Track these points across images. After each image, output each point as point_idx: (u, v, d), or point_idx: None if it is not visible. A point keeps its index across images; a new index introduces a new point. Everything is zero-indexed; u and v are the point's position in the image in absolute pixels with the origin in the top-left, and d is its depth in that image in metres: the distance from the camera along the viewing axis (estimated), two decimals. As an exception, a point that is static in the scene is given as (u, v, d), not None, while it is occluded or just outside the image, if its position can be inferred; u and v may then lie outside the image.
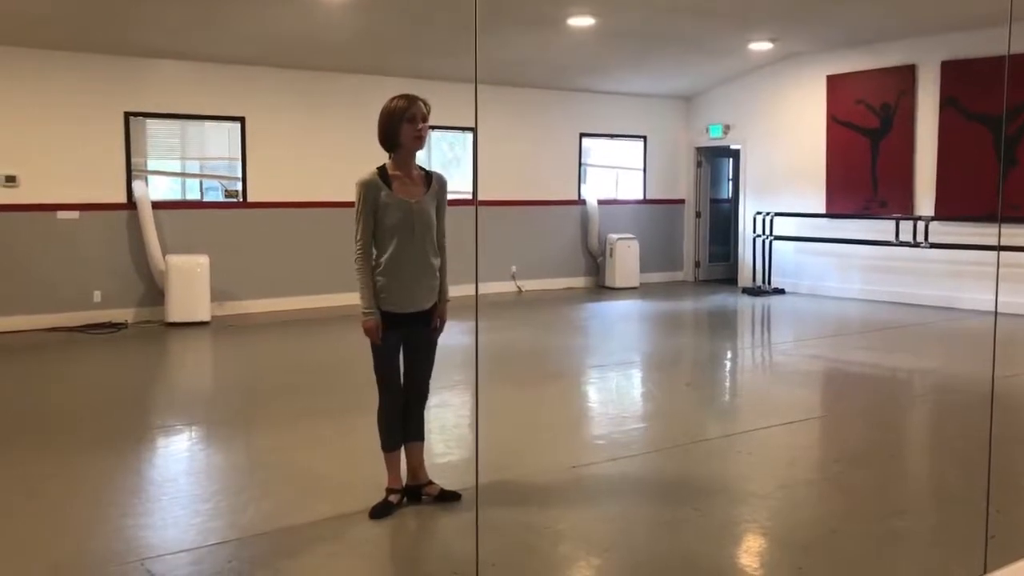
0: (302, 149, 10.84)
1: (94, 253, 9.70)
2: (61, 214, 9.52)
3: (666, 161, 14.04)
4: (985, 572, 3.19)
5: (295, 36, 9.40)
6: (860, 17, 9.82)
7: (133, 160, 9.96)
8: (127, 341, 8.97)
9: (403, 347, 4.16)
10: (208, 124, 10.58)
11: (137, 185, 9.89)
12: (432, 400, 4.46)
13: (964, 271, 10.52)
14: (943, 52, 10.64)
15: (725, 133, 13.50)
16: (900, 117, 11.15)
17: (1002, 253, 9.53)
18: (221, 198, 10.76)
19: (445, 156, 12.23)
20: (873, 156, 11.46)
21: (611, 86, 12.93)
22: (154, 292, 9.92)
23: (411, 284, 4.05)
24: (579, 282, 13.25)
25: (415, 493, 4.23)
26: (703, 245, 14.30)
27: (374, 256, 4.05)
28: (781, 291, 12.47)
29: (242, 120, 10.48)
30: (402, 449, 4.22)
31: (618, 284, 12.93)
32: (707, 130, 13.74)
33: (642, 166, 13.87)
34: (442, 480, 4.32)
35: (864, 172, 11.55)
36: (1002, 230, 10.03)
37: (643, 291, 12.78)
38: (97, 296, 9.71)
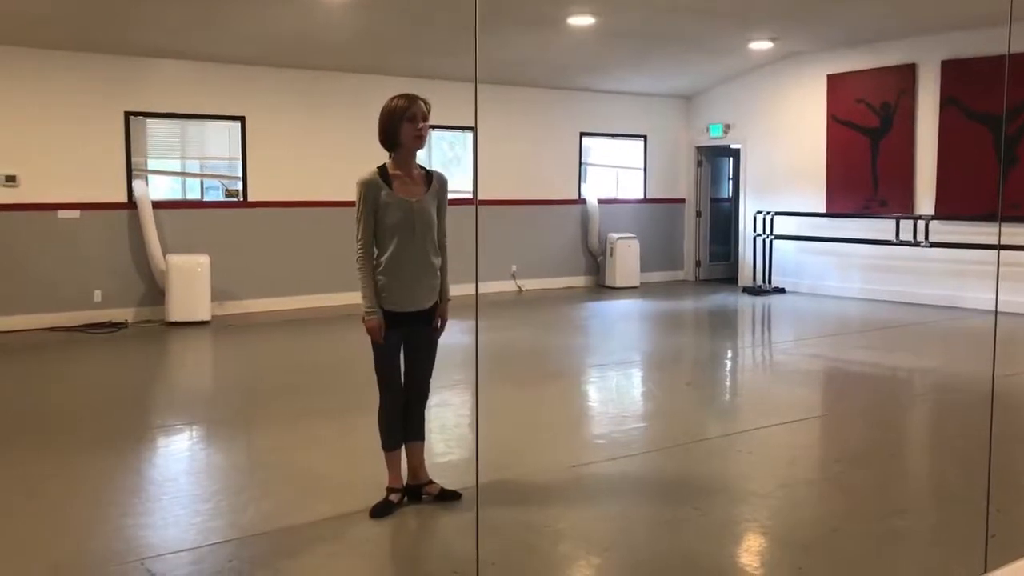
0: (302, 149, 10.84)
1: (94, 253, 9.70)
2: (61, 214, 9.52)
3: (666, 160, 14.04)
4: (986, 571, 3.19)
5: (295, 36, 9.40)
6: (860, 16, 9.81)
7: (133, 160, 9.96)
8: (127, 341, 8.97)
9: (404, 346, 4.16)
10: (208, 124, 10.57)
11: (137, 185, 9.89)
12: (432, 399, 4.46)
13: (964, 270, 10.51)
14: (943, 51, 10.63)
15: (725, 132, 13.50)
16: (900, 116, 11.14)
17: (1002, 252, 9.53)
18: (221, 198, 10.76)
19: (445, 155, 12.23)
20: (873, 155, 11.46)
21: (611, 85, 12.93)
22: (154, 292, 9.92)
23: (412, 283, 4.05)
24: (579, 281, 13.24)
25: (415, 492, 4.23)
26: (703, 244, 14.30)
27: (375, 255, 4.05)
28: (781, 290, 12.47)
29: (242, 120, 10.48)
30: (402, 448, 4.22)
31: (618, 283, 12.93)
32: (707, 129, 13.74)
33: (642, 165, 13.87)
34: (442, 479, 4.32)
35: (864, 171, 11.55)
36: (1002, 229, 10.03)
37: (643, 290, 12.78)
38: (97, 296, 9.71)
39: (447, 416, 5.86)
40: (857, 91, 11.58)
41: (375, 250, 4.05)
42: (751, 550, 3.80)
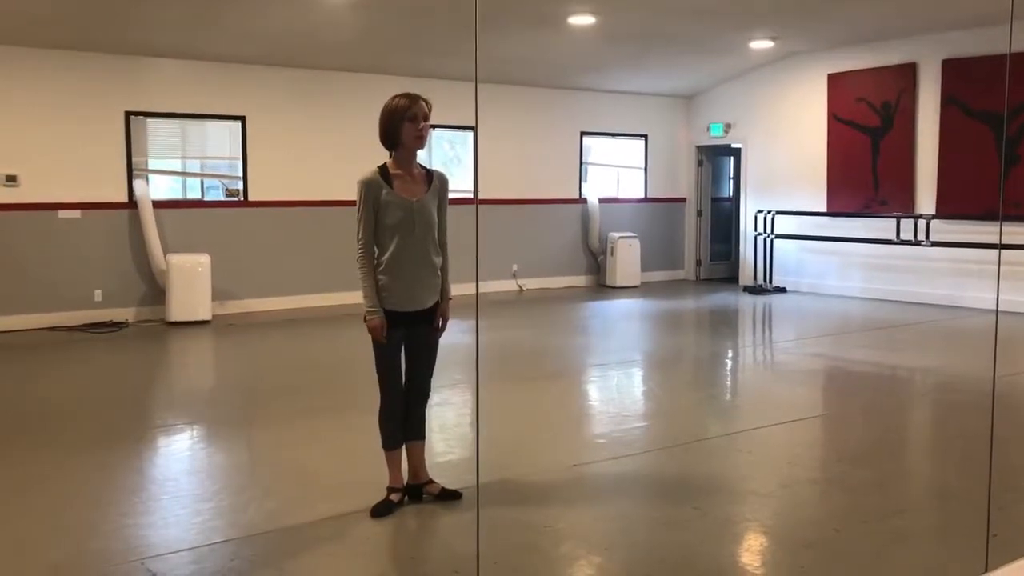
0: (303, 148, 10.84)
1: (95, 252, 9.70)
2: (62, 213, 9.52)
3: (667, 160, 14.03)
4: (987, 570, 3.19)
5: (296, 35, 9.40)
6: (861, 16, 9.81)
7: (134, 159, 9.96)
8: (128, 340, 8.97)
9: (405, 346, 4.16)
10: (209, 123, 10.57)
11: (138, 184, 9.89)
12: (433, 399, 4.45)
13: (965, 269, 10.51)
14: (944, 50, 10.63)
15: (726, 132, 13.49)
16: (901, 115, 11.14)
17: (1003, 251, 9.53)
18: (222, 197, 10.76)
19: (446, 155, 12.23)
20: (874, 154, 11.45)
21: (612, 85, 12.92)
22: (155, 291, 9.92)
23: (413, 283, 4.05)
24: (580, 281, 13.24)
25: (416, 492, 4.22)
26: (704, 244, 14.30)
27: (376, 255, 4.05)
28: (782, 290, 12.47)
29: (243, 119, 10.48)
30: (403, 448, 4.22)
31: (619, 283, 12.92)
32: (708, 129, 13.73)
33: (643, 165, 13.86)
34: (443, 479, 4.32)
35: (865, 170, 11.54)
36: (1003, 228, 10.02)
37: (644, 290, 12.77)
38: (98, 295, 9.71)
39: (448, 415, 5.86)
40: (858, 90, 11.57)
41: (376, 249, 4.04)
42: (752, 550, 3.80)
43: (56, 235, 9.48)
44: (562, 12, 9.07)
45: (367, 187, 4.00)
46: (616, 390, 6.93)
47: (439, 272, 4.14)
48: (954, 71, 10.55)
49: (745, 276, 13.18)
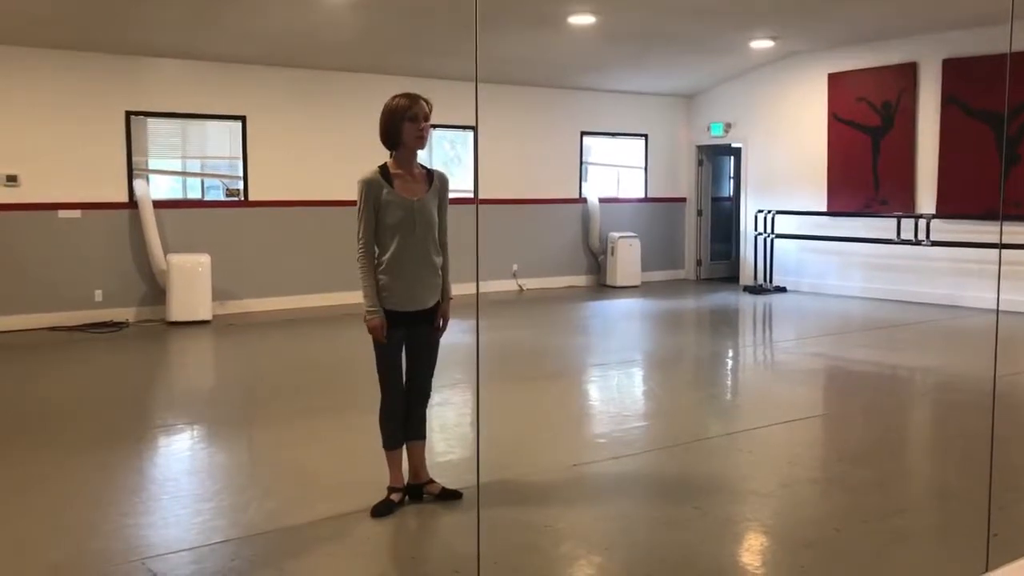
0: (303, 148, 10.84)
1: (95, 252, 9.70)
2: (62, 213, 9.52)
3: (667, 159, 14.03)
4: (987, 570, 3.19)
5: (296, 35, 9.40)
6: (861, 15, 9.81)
7: (134, 159, 9.96)
8: (128, 340, 8.97)
9: (405, 346, 4.16)
10: (209, 123, 10.57)
11: (138, 184, 9.89)
12: (433, 399, 4.45)
13: (966, 269, 10.51)
14: (944, 50, 10.62)
15: (726, 131, 13.49)
16: (901, 115, 11.14)
17: (1004, 251, 9.52)
18: (222, 197, 10.76)
19: (446, 155, 12.23)
20: (874, 154, 11.45)
21: (612, 84, 12.92)
22: (155, 291, 9.92)
23: (413, 282, 4.05)
24: (580, 281, 13.24)
25: (416, 492, 4.22)
26: (704, 243, 14.30)
27: (376, 255, 4.05)
28: (783, 289, 12.47)
29: (243, 119, 10.48)
30: (404, 448, 4.22)
31: (619, 283, 12.92)
32: (708, 128, 13.73)
33: (643, 164, 13.86)
34: (443, 479, 4.32)
35: (865, 170, 11.54)
36: (1004, 228, 10.02)
37: (644, 289, 12.77)
38: (98, 295, 9.71)
39: (448, 415, 5.86)
40: (858, 90, 11.57)
41: (376, 249, 4.04)
42: (752, 549, 3.79)
43: (56, 235, 9.48)
44: (562, 12, 9.07)
45: (368, 186, 4.00)
46: (616, 390, 6.92)
47: (440, 272, 4.14)
48: (954, 71, 10.55)
49: (745, 276, 13.18)
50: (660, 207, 13.99)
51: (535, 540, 3.80)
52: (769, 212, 12.56)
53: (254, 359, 8.31)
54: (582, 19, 9.30)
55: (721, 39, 10.89)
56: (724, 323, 10.60)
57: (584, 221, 13.22)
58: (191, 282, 9.66)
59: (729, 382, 7.59)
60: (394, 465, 4.18)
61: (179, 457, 5.18)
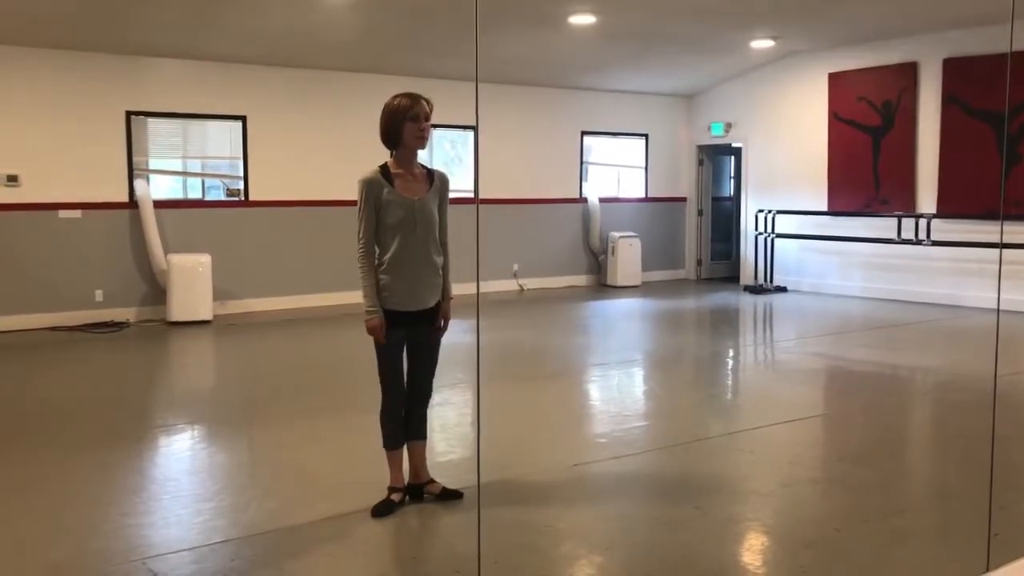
0: (304, 148, 10.84)
1: (96, 252, 9.70)
2: (63, 213, 9.52)
3: (668, 159, 14.03)
4: (988, 570, 3.19)
5: (296, 35, 9.40)
6: (862, 15, 9.80)
7: (135, 159, 9.96)
8: (129, 340, 8.97)
9: (406, 346, 4.16)
10: (210, 123, 10.57)
11: (139, 184, 9.89)
12: (434, 399, 4.45)
13: (966, 268, 10.51)
14: (945, 49, 10.62)
15: (727, 131, 13.49)
16: (902, 114, 11.13)
17: (1004, 250, 9.51)
18: (223, 197, 10.76)
19: (447, 154, 12.22)
20: (875, 153, 11.45)
21: (612, 84, 12.92)
22: (156, 291, 9.92)
23: (414, 282, 4.04)
24: (581, 280, 13.24)
25: (417, 492, 4.22)
26: (705, 243, 14.29)
27: (377, 254, 4.05)
28: (783, 289, 12.47)
29: (244, 119, 10.48)
30: (404, 448, 4.22)
31: (620, 282, 12.92)
32: (709, 128, 13.73)
33: (644, 164, 13.86)
34: (444, 479, 4.32)
35: (866, 169, 11.54)
36: (1004, 227, 10.02)
37: (645, 289, 12.77)
38: (99, 295, 9.71)
39: (449, 415, 5.86)
40: (858, 89, 11.56)
41: (377, 249, 4.04)
42: (753, 549, 3.79)
43: (57, 235, 9.48)
44: (562, 12, 9.07)
45: (368, 186, 4.00)
46: (617, 389, 6.92)
47: (440, 271, 4.14)
48: (955, 70, 10.55)
49: (746, 275, 13.18)
50: (660, 207, 13.99)
51: (536, 540, 3.79)
52: (769, 212, 12.56)
53: (254, 359, 8.31)
54: (582, 19, 9.30)
55: (721, 39, 10.89)
56: (724, 323, 10.60)
57: (584, 221, 13.22)
58: (191, 282, 9.66)
59: (729, 382, 7.59)
60: (395, 465, 4.18)
61: (179, 457, 5.18)
